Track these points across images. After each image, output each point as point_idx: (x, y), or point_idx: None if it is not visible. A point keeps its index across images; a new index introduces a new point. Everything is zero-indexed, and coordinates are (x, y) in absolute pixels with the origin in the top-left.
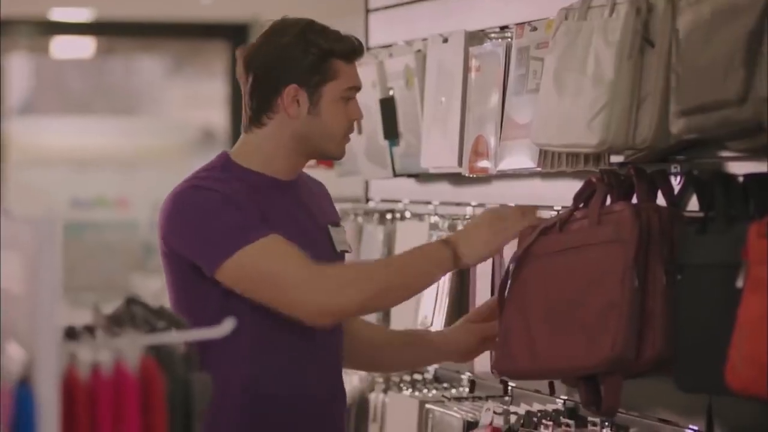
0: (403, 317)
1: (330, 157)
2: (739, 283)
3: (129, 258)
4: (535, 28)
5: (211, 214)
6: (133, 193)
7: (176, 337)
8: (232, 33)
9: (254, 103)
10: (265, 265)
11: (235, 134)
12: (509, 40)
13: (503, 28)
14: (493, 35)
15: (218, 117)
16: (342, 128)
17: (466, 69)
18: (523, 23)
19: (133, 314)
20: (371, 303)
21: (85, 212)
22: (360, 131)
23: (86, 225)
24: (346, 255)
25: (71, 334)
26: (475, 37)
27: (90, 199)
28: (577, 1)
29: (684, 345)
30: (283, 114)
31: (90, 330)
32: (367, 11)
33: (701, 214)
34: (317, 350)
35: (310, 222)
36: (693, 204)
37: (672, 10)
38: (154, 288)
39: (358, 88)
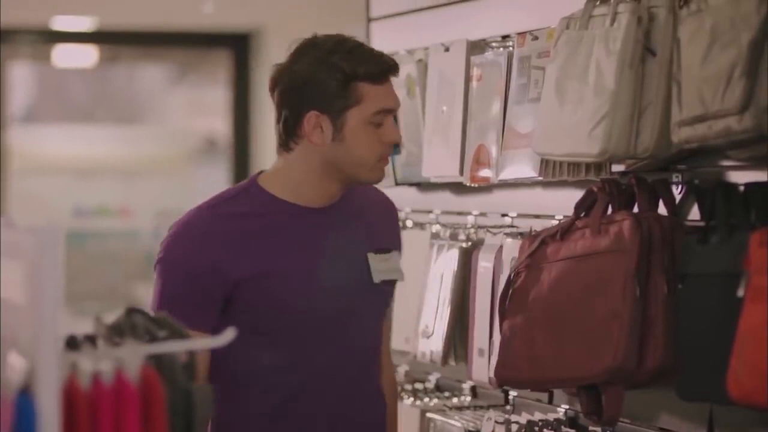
0: (404, 327)
1: (365, 182)
2: (740, 293)
3: (131, 267)
4: (536, 38)
5: (164, 274)
6: (135, 202)
7: (177, 347)
8: (235, 42)
9: (280, 127)
10: None
11: (238, 143)
12: (511, 49)
13: (505, 37)
14: (494, 44)
15: (221, 126)
16: (373, 154)
17: (468, 78)
18: (525, 32)
19: (133, 324)
20: None
21: (87, 221)
22: (399, 151)
23: (88, 234)
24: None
25: (72, 343)
26: (476, 46)
27: (92, 207)
28: (579, 11)
29: (685, 354)
30: (308, 140)
31: (91, 339)
32: (369, 20)
33: (702, 224)
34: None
35: (342, 250)
36: (694, 213)
37: (673, 19)
38: None
39: (390, 110)
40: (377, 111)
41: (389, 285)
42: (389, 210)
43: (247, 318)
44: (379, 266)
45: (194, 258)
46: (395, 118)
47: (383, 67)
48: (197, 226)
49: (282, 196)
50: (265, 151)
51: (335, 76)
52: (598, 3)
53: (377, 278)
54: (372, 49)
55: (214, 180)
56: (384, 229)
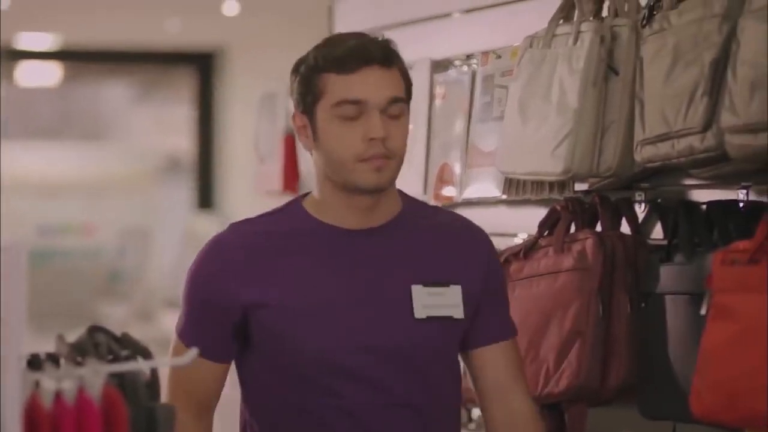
0: None
1: (358, 189)
2: (703, 311)
3: (95, 285)
4: (499, 56)
5: (185, 290)
6: (99, 220)
7: (138, 366)
8: (199, 60)
9: None
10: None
11: (202, 161)
12: (474, 67)
13: (468, 56)
14: (458, 63)
15: (185, 144)
16: (347, 152)
17: (432, 96)
18: (488, 51)
19: (96, 342)
20: None
21: (51, 239)
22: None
23: (52, 252)
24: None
25: (35, 362)
26: (440, 65)
27: (56, 225)
28: (542, 30)
29: (649, 372)
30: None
31: (54, 358)
32: None
33: (665, 242)
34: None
35: (375, 280)
36: (658, 232)
37: (636, 38)
38: (120, 315)
39: (355, 102)
40: (338, 102)
41: (449, 323)
42: (466, 240)
43: (265, 351)
44: (426, 300)
45: (205, 279)
46: (400, 116)
47: (350, 54)
48: (216, 243)
49: (315, 214)
50: (229, 170)
51: (302, 70)
52: (561, 22)
53: (421, 314)
54: (358, 39)
55: (178, 198)
56: (446, 260)
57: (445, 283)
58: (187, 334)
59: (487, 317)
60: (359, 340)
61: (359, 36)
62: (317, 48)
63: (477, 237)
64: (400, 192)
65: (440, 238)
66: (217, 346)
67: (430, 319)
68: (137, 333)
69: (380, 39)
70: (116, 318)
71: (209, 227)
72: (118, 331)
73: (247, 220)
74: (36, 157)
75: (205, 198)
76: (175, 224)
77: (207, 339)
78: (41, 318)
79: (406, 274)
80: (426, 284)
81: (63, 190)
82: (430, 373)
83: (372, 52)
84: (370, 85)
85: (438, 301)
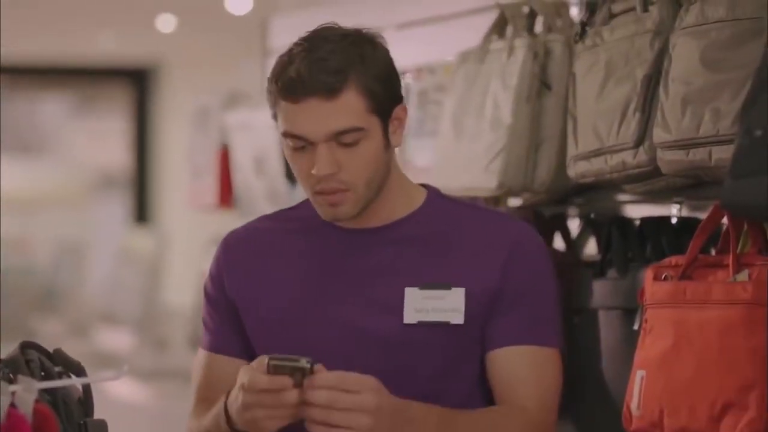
0: None
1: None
2: (636, 326)
3: (30, 300)
4: (433, 72)
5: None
6: (34, 235)
7: (69, 382)
8: (134, 75)
9: None
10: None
11: (137, 176)
12: (408, 83)
13: (402, 72)
14: None
15: (120, 159)
16: (303, 182)
17: None
18: (422, 67)
19: (28, 359)
20: None
21: None
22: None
23: None
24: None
25: None
26: None
27: None
28: (476, 45)
29: (582, 388)
30: None
31: None
32: (266, 54)
33: (599, 258)
34: None
35: (373, 281)
36: (592, 247)
37: (570, 54)
38: (54, 330)
39: (294, 136)
40: (284, 132)
41: (446, 329)
42: (482, 239)
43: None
44: (420, 304)
45: (211, 275)
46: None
47: (294, 82)
48: (225, 238)
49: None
50: (165, 184)
51: (268, 79)
52: (495, 38)
53: (411, 318)
54: (312, 57)
55: (113, 213)
56: (453, 261)
57: (445, 286)
58: (205, 331)
59: (501, 319)
60: (338, 345)
61: (319, 47)
62: (286, 52)
63: (501, 235)
64: (430, 188)
65: (456, 238)
66: (231, 340)
67: (421, 325)
68: (72, 348)
69: (339, 53)
70: (51, 333)
71: (144, 242)
72: (53, 346)
73: (264, 216)
74: None
75: (141, 213)
76: (110, 239)
77: (220, 334)
78: None
79: (405, 276)
80: (423, 287)
81: None
82: (432, 385)
83: (314, 82)
84: (311, 119)
85: (435, 306)
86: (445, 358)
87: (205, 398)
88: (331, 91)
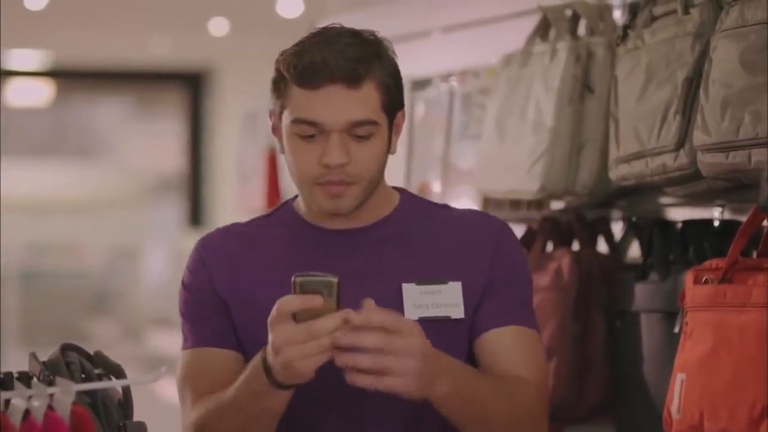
0: None
1: (316, 209)
2: (676, 329)
3: (83, 304)
4: (477, 75)
5: (179, 294)
6: (88, 239)
7: (108, 384)
8: (189, 79)
9: None
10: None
11: (191, 179)
12: (453, 86)
13: (447, 75)
14: (437, 82)
15: (175, 162)
16: (304, 173)
17: (411, 116)
18: (466, 70)
19: (69, 361)
20: None
21: (40, 258)
22: (354, 180)
23: (41, 271)
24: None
25: (6, 381)
26: (419, 84)
27: (45, 245)
28: (519, 49)
29: (624, 390)
30: None
31: (26, 377)
32: None
33: (641, 260)
34: None
35: (368, 280)
36: (635, 250)
37: (611, 56)
38: (108, 333)
39: (310, 123)
40: (295, 119)
41: (448, 324)
42: (469, 234)
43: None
44: (419, 300)
45: (191, 273)
46: (395, 134)
47: (313, 69)
48: (199, 241)
49: (302, 214)
50: (218, 187)
51: (276, 66)
52: (537, 41)
53: (412, 314)
54: (329, 48)
55: (167, 216)
56: (445, 257)
57: (441, 281)
58: (187, 330)
59: (487, 304)
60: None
61: (335, 40)
62: (297, 44)
63: (484, 229)
64: (401, 190)
65: (440, 235)
66: (216, 331)
67: (422, 321)
68: (125, 351)
69: (356, 47)
70: (104, 336)
71: None
72: (106, 350)
73: (237, 223)
74: (26, 175)
75: (195, 216)
76: (164, 242)
77: (206, 327)
78: (30, 336)
79: (398, 273)
80: (420, 282)
81: (53, 208)
82: None
83: (337, 70)
84: (330, 106)
85: (434, 300)
86: (445, 352)
87: (205, 392)
88: (355, 79)
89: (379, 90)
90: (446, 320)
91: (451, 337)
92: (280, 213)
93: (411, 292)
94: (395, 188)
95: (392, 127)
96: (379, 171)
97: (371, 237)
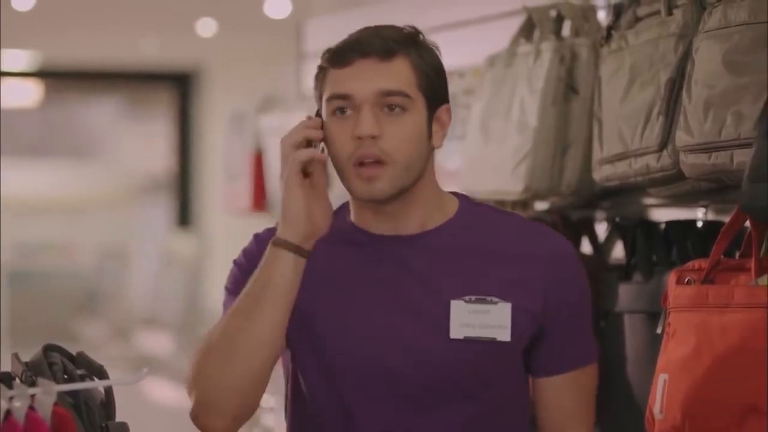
0: None
1: (355, 196)
2: (659, 330)
3: (73, 304)
4: (463, 76)
5: (233, 267)
6: (79, 239)
7: (89, 385)
8: (178, 80)
9: None
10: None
11: (180, 179)
12: None
13: None
14: None
15: (163, 162)
16: (342, 151)
17: None
18: (452, 71)
19: (51, 362)
20: (209, 388)
21: (29, 258)
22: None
23: (31, 271)
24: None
25: None
26: None
27: (34, 244)
28: (504, 49)
29: (608, 391)
30: None
31: (8, 378)
32: (302, 57)
33: (625, 261)
34: None
35: (414, 292)
36: (620, 250)
37: (596, 57)
38: (97, 334)
39: (342, 96)
40: (329, 96)
41: (493, 346)
42: (525, 254)
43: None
44: (467, 318)
45: (248, 256)
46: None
47: (346, 47)
48: (261, 235)
49: (351, 217)
50: (207, 188)
51: (318, 66)
52: (522, 41)
53: (458, 333)
54: (367, 31)
55: (156, 217)
56: (497, 275)
57: (491, 301)
58: (229, 304)
59: (551, 345)
60: (379, 358)
61: (375, 28)
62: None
63: (539, 250)
64: (462, 197)
65: (496, 250)
66: None
67: (467, 341)
68: (114, 351)
69: (391, 31)
70: (93, 336)
71: (186, 246)
72: (95, 350)
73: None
74: (15, 176)
75: (183, 216)
76: (153, 243)
77: None
78: (19, 336)
79: (446, 288)
80: (469, 300)
81: (41, 208)
82: (484, 402)
83: (368, 44)
84: (361, 78)
85: (481, 321)
86: (488, 374)
87: None
88: (385, 53)
89: (413, 69)
90: (491, 342)
91: (496, 360)
92: (336, 215)
93: (459, 309)
94: (456, 194)
95: (433, 116)
96: (417, 155)
97: (422, 246)
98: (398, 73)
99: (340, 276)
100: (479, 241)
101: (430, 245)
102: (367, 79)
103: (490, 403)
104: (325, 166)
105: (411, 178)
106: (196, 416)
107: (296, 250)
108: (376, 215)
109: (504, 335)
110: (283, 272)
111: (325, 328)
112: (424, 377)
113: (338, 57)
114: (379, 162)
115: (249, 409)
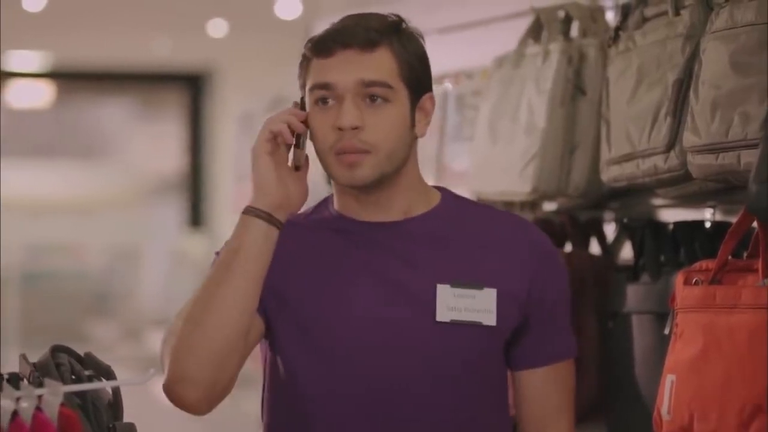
0: None
1: (337, 182)
2: (666, 330)
3: (84, 304)
4: (471, 77)
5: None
6: (89, 240)
7: (96, 385)
8: (189, 81)
9: None
10: None
11: (191, 180)
12: (447, 88)
13: (441, 76)
14: None
15: (175, 163)
16: (321, 143)
17: None
18: (460, 72)
19: (59, 363)
20: (182, 355)
21: (40, 259)
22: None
23: (42, 272)
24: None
25: None
26: None
27: (45, 245)
28: (512, 50)
29: (616, 391)
30: None
31: (16, 379)
32: None
33: (633, 262)
34: None
35: (401, 276)
36: (628, 251)
37: (603, 58)
38: (108, 334)
39: (322, 86)
40: (311, 86)
41: (479, 330)
42: (512, 243)
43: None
44: (453, 302)
45: None
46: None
47: (328, 37)
48: None
49: (335, 205)
50: (218, 189)
51: (301, 54)
52: (530, 42)
53: (444, 316)
54: (349, 20)
55: (167, 217)
56: (482, 262)
57: (477, 285)
58: None
59: (532, 337)
60: (368, 339)
61: (358, 17)
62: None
63: (521, 239)
64: (443, 190)
65: (480, 238)
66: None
67: (454, 324)
68: (125, 352)
69: (374, 20)
70: (104, 337)
71: (198, 246)
72: (106, 351)
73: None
74: (26, 176)
75: (195, 217)
76: (164, 243)
77: None
78: (29, 337)
79: (432, 272)
80: (455, 285)
81: (52, 209)
82: (465, 386)
83: (350, 35)
84: (342, 68)
85: (467, 305)
86: (473, 358)
87: None
88: (366, 43)
89: (396, 59)
90: (477, 326)
91: (482, 344)
92: (322, 204)
93: (445, 293)
94: (437, 188)
95: (416, 105)
96: (399, 143)
97: (407, 232)
98: (380, 64)
99: (327, 260)
100: (464, 229)
101: (414, 231)
102: (349, 70)
103: (475, 387)
104: (301, 144)
105: (393, 166)
106: (168, 387)
107: (268, 218)
108: (359, 203)
109: (490, 319)
110: (254, 239)
111: (313, 309)
112: (412, 359)
113: (320, 47)
114: (360, 150)
115: (222, 384)
